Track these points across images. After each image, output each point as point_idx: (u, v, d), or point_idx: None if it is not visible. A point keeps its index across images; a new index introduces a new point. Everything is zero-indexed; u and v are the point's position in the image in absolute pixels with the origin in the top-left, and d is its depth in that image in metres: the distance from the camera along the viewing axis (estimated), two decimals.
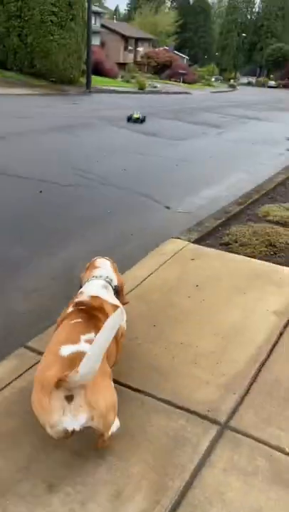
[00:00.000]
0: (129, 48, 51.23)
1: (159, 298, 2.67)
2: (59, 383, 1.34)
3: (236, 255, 3.30)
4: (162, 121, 11.47)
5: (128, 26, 60.17)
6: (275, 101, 28.20)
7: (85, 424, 1.39)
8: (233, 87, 56.94)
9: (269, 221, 4.11)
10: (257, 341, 2.28)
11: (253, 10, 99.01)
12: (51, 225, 3.93)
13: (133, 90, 25.88)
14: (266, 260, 3.27)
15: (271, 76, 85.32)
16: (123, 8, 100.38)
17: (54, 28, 20.19)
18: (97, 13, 42.77)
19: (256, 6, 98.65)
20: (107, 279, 1.96)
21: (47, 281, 2.99)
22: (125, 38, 49.29)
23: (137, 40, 53.18)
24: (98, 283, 1.92)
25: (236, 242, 3.53)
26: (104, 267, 2.07)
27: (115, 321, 1.41)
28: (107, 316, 1.62)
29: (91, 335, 1.54)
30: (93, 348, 1.35)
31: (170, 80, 44.21)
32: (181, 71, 40.67)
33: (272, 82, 76.86)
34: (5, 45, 21.36)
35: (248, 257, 3.30)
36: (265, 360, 2.15)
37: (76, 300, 1.82)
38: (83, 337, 1.55)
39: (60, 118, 10.39)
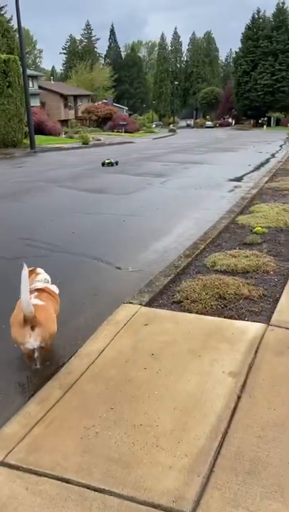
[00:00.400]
0: (69, 104, 53.04)
1: (115, 374, 2.62)
2: (26, 320, 2.55)
3: (188, 314, 3.32)
4: (108, 176, 11.76)
5: (65, 85, 62.66)
6: (214, 141, 29.82)
7: (39, 344, 2.62)
8: (173, 131, 59.81)
9: (217, 271, 4.21)
10: (216, 409, 2.26)
11: (182, 59, 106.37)
12: None
13: (77, 145, 26.57)
14: (218, 315, 3.32)
15: (207, 117, 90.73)
16: (59, 68, 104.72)
17: None
18: (34, 77, 44.35)
19: (184, 55, 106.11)
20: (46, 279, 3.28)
21: None
22: (64, 96, 51.09)
23: (76, 96, 55.28)
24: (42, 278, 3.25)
25: (187, 298, 3.57)
26: (42, 272, 3.34)
27: (24, 276, 2.58)
28: (47, 293, 3.02)
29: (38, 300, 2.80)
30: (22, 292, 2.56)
31: (113, 131, 45.92)
32: (121, 122, 42.37)
33: (209, 123, 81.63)
34: None
35: (200, 313, 3.34)
36: (226, 430, 2.13)
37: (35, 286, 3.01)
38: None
39: (5, 184, 10.42)
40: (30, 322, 2.56)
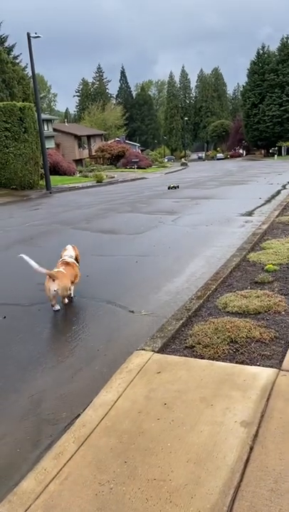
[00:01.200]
0: (83, 144, 54.84)
1: (129, 426, 2.66)
2: (50, 276, 4.69)
3: (201, 360, 3.36)
4: (120, 215, 12.03)
5: (79, 126, 65.04)
6: (225, 174, 30.26)
7: (56, 289, 4.62)
8: (184, 165, 61.01)
9: (228, 313, 4.26)
10: (229, 462, 2.27)
11: (191, 95, 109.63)
12: (16, 355, 3.93)
13: (91, 184, 27.29)
14: (229, 359, 3.35)
15: (218, 149, 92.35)
16: (73, 110, 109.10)
17: (9, 141, 21.61)
18: (49, 120, 46.23)
19: (193, 91, 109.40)
20: (71, 255, 5.31)
21: (15, 425, 2.93)
22: (78, 137, 52.93)
23: (89, 136, 57.21)
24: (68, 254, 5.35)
25: (200, 343, 3.61)
26: (68, 249, 5.43)
27: (26, 258, 4.81)
28: (70, 265, 5.16)
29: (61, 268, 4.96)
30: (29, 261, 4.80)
31: (126, 168, 47.06)
32: (134, 159, 43.46)
33: (220, 155, 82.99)
34: None
35: (212, 359, 3.38)
36: (239, 483, 2.14)
37: (63, 259, 5.20)
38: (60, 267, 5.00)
39: (22, 228, 10.76)
40: (52, 278, 4.70)
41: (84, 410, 2.94)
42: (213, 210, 11.95)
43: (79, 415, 2.94)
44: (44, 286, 4.75)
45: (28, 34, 20.31)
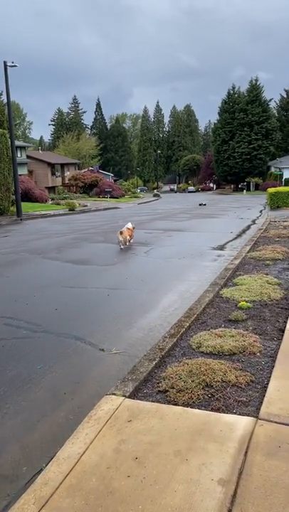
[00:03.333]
0: (57, 172, 54.86)
1: (96, 485, 2.42)
2: (120, 232, 11.08)
3: (174, 407, 3.17)
4: (93, 245, 11.86)
5: (53, 154, 65.21)
6: (197, 207, 30.75)
7: (122, 239, 10.92)
8: (157, 196, 61.81)
9: (203, 353, 4.11)
10: None
11: (164, 129, 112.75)
12: None
13: (64, 212, 27.09)
14: (205, 406, 3.18)
15: (190, 182, 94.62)
16: (47, 138, 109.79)
17: None
18: (22, 147, 46.15)
19: (166, 125, 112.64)
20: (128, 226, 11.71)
21: None
22: (51, 165, 52.95)
23: (63, 165, 57.35)
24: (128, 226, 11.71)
25: (173, 387, 3.43)
26: (129, 224, 11.73)
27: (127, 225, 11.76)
28: (130, 229, 11.66)
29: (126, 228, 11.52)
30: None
31: (99, 197, 47.21)
32: (107, 189, 43.71)
33: (191, 188, 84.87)
34: None
35: (186, 405, 3.19)
36: None
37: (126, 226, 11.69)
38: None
39: None
40: (121, 232, 10.84)
41: (47, 465, 2.67)
42: (185, 242, 11.97)
43: (41, 470, 2.68)
44: (117, 236, 11.00)
45: (5, 63, 20.42)
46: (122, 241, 10.75)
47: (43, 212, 25.73)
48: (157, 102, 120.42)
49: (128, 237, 11.09)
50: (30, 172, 48.00)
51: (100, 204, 37.72)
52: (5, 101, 55.96)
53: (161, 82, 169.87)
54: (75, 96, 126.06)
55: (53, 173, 53.46)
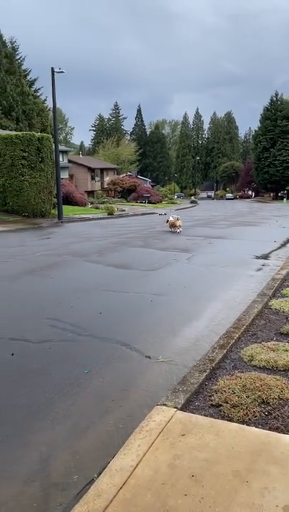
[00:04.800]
0: (96, 177, 55.70)
1: (152, 501, 2.31)
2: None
3: (230, 423, 3.02)
4: (133, 250, 11.84)
5: (93, 159, 66.34)
6: (236, 214, 30.31)
7: (175, 229, 16.11)
8: (194, 202, 61.49)
9: (255, 367, 3.93)
10: None
11: (203, 136, 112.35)
12: (23, 399, 3.60)
13: (102, 216, 27.36)
14: (262, 424, 3.00)
15: (227, 189, 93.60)
16: (88, 143, 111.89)
17: (25, 169, 21.85)
18: (64, 152, 47.17)
19: (205, 132, 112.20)
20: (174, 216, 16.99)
21: (19, 487, 2.58)
22: (91, 169, 53.85)
23: (103, 169, 58.21)
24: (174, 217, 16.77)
25: (227, 402, 3.27)
26: (175, 216, 16.82)
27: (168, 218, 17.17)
28: (177, 219, 16.43)
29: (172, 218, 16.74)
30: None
31: (136, 202, 47.47)
32: (145, 194, 43.88)
33: (229, 195, 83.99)
34: None
35: (242, 422, 3.03)
36: None
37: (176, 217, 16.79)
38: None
39: (33, 257, 10.56)
40: (169, 222, 16.33)
41: (98, 476, 2.59)
42: (227, 250, 11.73)
43: (92, 480, 2.60)
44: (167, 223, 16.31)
45: (53, 69, 20.93)
46: (170, 226, 16.37)
47: (83, 216, 26.09)
48: (197, 109, 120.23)
49: (177, 224, 15.97)
50: (71, 176, 48.99)
51: (137, 209, 37.88)
52: (49, 106, 57.43)
53: (202, 88, 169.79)
54: (116, 102, 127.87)
55: (92, 178, 54.33)
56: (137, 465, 2.63)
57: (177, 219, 16.17)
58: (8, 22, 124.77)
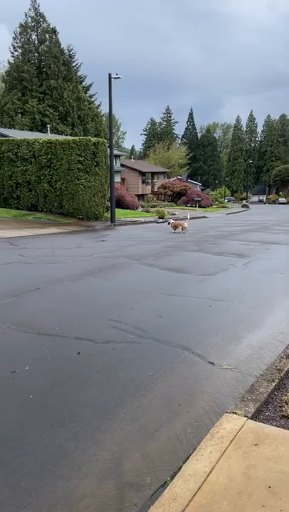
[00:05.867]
0: (147, 180, 56.15)
1: (228, 509, 2.29)
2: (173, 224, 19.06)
3: None
4: (188, 254, 11.81)
5: (144, 163, 66.96)
6: None
7: (180, 230, 18.50)
8: (246, 206, 60.36)
9: None
10: None
11: (256, 139, 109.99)
12: (91, 399, 3.69)
13: (153, 219, 27.50)
14: None
15: (281, 193, 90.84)
16: (138, 147, 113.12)
17: (80, 173, 22.46)
18: (117, 156, 47.97)
19: (258, 135, 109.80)
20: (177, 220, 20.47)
21: (95, 485, 2.64)
22: (142, 173, 54.35)
23: (153, 173, 58.58)
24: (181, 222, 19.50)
25: None
26: (176, 221, 19.84)
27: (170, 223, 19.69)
28: (181, 223, 19.23)
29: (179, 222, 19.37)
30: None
31: (186, 206, 47.31)
32: (196, 198, 43.63)
33: (282, 199, 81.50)
34: (37, 191, 23.72)
35: None
36: None
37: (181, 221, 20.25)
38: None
39: (90, 259, 10.82)
40: (173, 223, 18.84)
41: (172, 479, 2.60)
42: (286, 257, 11.40)
43: (165, 483, 2.62)
44: (171, 226, 18.69)
45: (110, 75, 21.38)
46: (173, 228, 18.70)
47: (134, 219, 26.38)
48: (251, 111, 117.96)
49: (183, 226, 18.39)
50: (123, 180, 49.74)
51: (187, 213, 37.72)
52: (102, 111, 58.63)
53: (256, 91, 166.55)
54: (168, 106, 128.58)
55: (143, 181, 54.83)
56: (210, 472, 2.62)
57: (178, 223, 18.90)
58: (65, 30, 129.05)
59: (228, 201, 76.39)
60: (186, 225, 18.55)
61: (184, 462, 2.77)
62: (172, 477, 2.64)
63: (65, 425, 3.27)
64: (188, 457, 2.82)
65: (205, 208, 47.66)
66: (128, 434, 3.19)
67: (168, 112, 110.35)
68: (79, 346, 4.80)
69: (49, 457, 2.88)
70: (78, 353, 4.64)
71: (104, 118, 56.40)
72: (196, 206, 43.18)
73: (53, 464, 2.82)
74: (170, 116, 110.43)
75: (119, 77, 21.35)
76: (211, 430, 3.05)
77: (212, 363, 4.44)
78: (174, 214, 34.28)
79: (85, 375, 4.14)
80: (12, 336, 5.16)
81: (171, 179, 62.80)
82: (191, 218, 31.39)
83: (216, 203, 59.76)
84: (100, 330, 5.36)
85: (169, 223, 19.42)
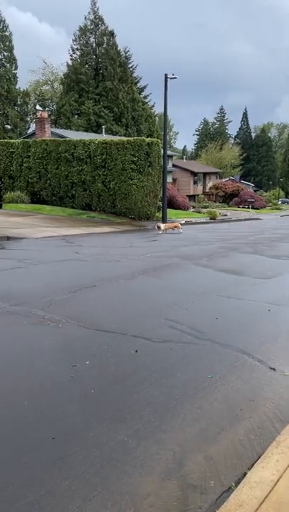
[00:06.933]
0: (198, 181, 55.71)
1: None
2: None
3: None
4: (243, 256, 11.56)
5: (195, 163, 66.51)
6: None
7: (173, 230, 19.02)
8: None
9: None
10: None
11: None
12: (151, 398, 3.70)
13: (205, 220, 27.26)
14: None
15: None
16: (190, 147, 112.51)
17: (134, 173, 22.70)
18: (169, 156, 48.01)
19: None
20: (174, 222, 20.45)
21: (157, 484, 2.64)
22: (194, 173, 54.00)
23: (205, 174, 58.03)
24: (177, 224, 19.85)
25: None
26: (175, 223, 19.77)
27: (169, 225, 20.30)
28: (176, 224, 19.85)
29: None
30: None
31: (238, 207, 46.48)
32: (249, 199, 42.72)
33: None
34: (91, 191, 24.26)
35: None
36: None
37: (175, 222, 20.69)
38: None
39: (143, 258, 10.89)
40: (171, 224, 20.00)
41: (237, 485, 2.54)
42: None
43: (230, 488, 2.57)
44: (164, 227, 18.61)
45: (166, 75, 21.41)
46: (163, 229, 18.43)
47: (186, 220, 26.26)
48: None
49: (177, 226, 19.11)
50: (174, 180, 49.71)
51: (239, 214, 37.05)
52: (156, 112, 58.82)
53: None
54: (222, 106, 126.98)
55: (194, 182, 54.48)
56: (278, 481, 2.53)
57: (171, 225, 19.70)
58: (123, 32, 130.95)
59: (283, 203, 73.99)
60: (180, 225, 19.56)
61: (249, 469, 2.70)
62: (237, 483, 2.58)
63: (126, 422, 3.29)
64: (253, 464, 2.75)
65: (258, 209, 46.53)
66: (189, 435, 3.16)
67: (221, 111, 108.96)
68: (136, 344, 4.83)
69: (112, 452, 2.92)
70: (136, 351, 4.67)
71: (157, 118, 56.68)
72: (248, 207, 42.28)
73: (116, 459, 2.85)
74: (224, 116, 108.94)
75: (175, 78, 21.33)
76: (277, 438, 2.95)
77: (273, 369, 4.31)
78: (225, 215, 33.80)
79: (144, 373, 4.16)
80: (72, 330, 5.29)
81: (223, 180, 61.90)
82: (245, 219, 30.77)
83: (270, 204, 58.15)
84: (156, 329, 5.37)
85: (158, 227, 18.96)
